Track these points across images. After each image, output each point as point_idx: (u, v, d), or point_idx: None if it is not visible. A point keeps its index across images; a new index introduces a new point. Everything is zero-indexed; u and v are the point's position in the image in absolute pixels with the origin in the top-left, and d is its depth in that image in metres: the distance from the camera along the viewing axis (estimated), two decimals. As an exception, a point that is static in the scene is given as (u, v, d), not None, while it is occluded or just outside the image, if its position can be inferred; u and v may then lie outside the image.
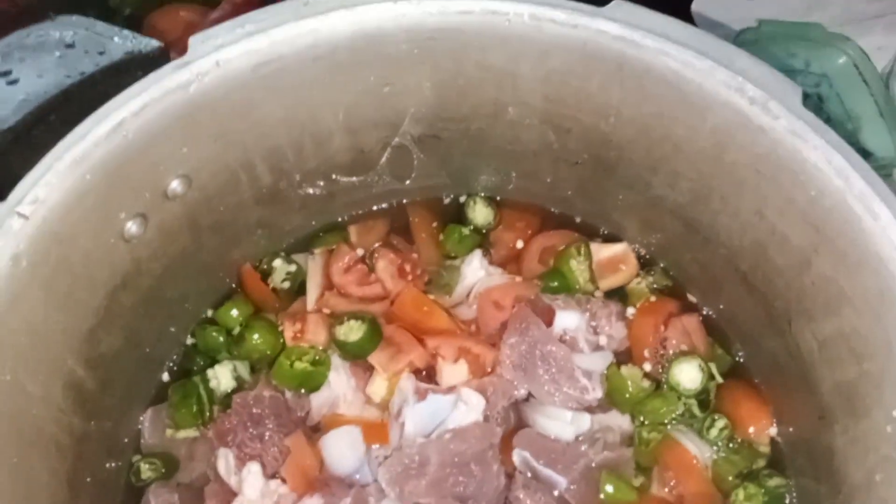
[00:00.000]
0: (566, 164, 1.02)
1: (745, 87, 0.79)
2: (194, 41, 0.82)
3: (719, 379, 0.99)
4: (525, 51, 0.87)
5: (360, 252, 1.11)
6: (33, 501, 0.78)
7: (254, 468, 0.92)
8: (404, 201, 1.14)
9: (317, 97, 0.92)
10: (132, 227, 0.85)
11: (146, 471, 0.96)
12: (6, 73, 0.83)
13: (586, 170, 1.01)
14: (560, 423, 0.96)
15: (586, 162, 1.00)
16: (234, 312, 1.05)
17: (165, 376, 1.03)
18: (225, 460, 0.94)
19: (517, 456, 0.94)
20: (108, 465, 0.94)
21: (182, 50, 0.83)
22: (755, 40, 1.22)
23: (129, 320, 0.91)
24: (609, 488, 0.92)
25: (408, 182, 1.11)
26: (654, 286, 1.06)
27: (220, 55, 0.82)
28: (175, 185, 0.88)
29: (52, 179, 0.73)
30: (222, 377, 1.01)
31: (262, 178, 0.98)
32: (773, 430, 0.96)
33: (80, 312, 0.82)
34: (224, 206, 0.97)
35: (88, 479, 0.89)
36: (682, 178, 0.92)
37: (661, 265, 1.07)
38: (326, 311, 1.06)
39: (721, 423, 0.95)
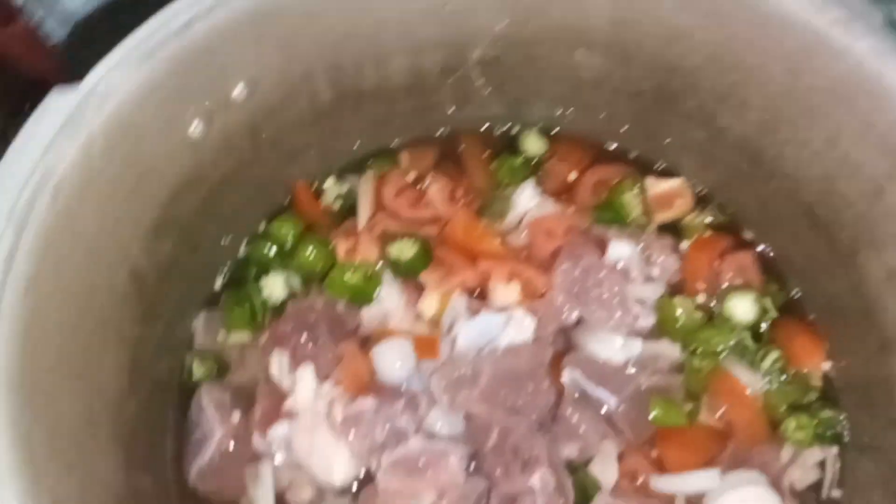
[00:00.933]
0: (626, 95, 1.01)
1: (827, 8, 0.77)
2: (266, -55, 0.82)
3: (774, 313, 0.98)
4: (596, -31, 0.86)
5: (411, 176, 1.11)
6: (100, 387, 0.80)
7: (308, 370, 0.94)
8: (458, 130, 1.14)
9: (380, 12, 0.91)
10: (197, 127, 0.85)
11: (198, 369, 0.98)
12: (80, -35, 0.84)
13: (647, 100, 1.00)
14: (611, 347, 0.96)
15: (648, 92, 0.98)
16: (287, 227, 1.06)
17: (218, 283, 1.05)
18: (279, 362, 0.95)
19: (567, 376, 0.95)
20: (163, 362, 0.96)
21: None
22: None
23: (189, 222, 0.92)
24: (658, 411, 0.92)
25: (463, 110, 1.10)
26: (710, 222, 1.05)
27: (291, -41, 0.81)
28: (239, 90, 0.88)
29: (124, 69, 0.74)
30: (275, 287, 1.03)
31: (322, 93, 0.98)
32: (826, 365, 0.96)
33: (145, 205, 0.83)
34: (283, 119, 0.97)
35: (146, 373, 0.91)
36: (749, 108, 0.90)
37: (718, 201, 1.06)
38: (378, 230, 1.07)
39: (774, 354, 0.95)
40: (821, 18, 0.77)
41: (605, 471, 0.93)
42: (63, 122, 0.69)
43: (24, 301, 0.65)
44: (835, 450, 0.93)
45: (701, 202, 1.07)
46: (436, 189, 1.09)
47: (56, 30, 0.83)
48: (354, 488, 0.93)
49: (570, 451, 0.92)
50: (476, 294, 1.02)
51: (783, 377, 0.95)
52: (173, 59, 0.78)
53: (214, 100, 0.85)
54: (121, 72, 0.75)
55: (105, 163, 0.73)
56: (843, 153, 0.82)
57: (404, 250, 1.02)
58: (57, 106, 0.69)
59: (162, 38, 0.78)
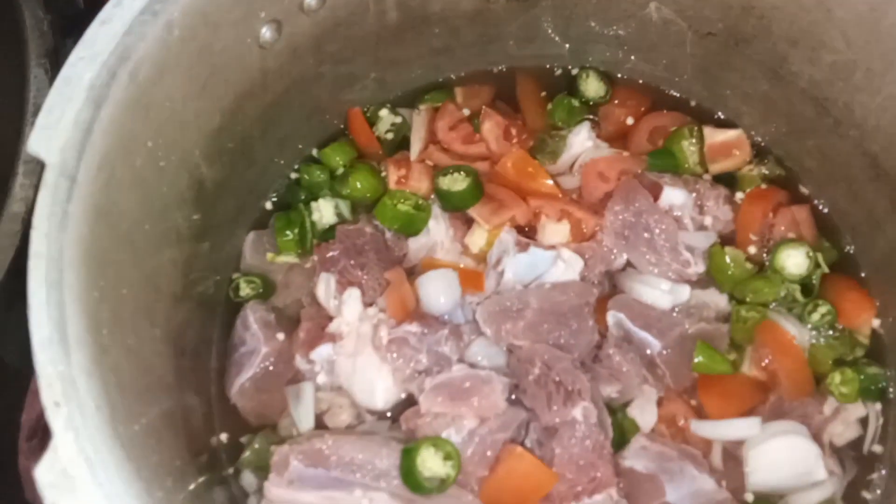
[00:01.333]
0: (696, 36, 0.99)
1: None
2: None
3: (825, 268, 0.97)
4: None
5: (465, 112, 1.10)
6: (158, 284, 0.80)
7: (354, 293, 0.93)
8: (516, 67, 1.13)
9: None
10: (267, 32, 0.85)
11: (245, 287, 0.99)
12: None
13: (715, 44, 0.99)
14: (658, 291, 0.95)
15: (719, 33, 0.97)
16: (339, 153, 1.06)
17: (268, 205, 1.05)
18: (326, 284, 0.95)
19: (612, 317, 0.94)
20: (211, 277, 0.96)
21: None
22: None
23: (247, 135, 0.92)
24: (702, 358, 0.92)
25: (525, 47, 1.09)
26: (766, 174, 1.04)
27: None
28: (311, -1, 0.87)
29: (206, -43, 0.73)
30: (325, 211, 1.02)
31: (389, 13, 0.97)
32: (875, 322, 0.95)
33: (211, 107, 0.83)
34: (348, 36, 0.96)
35: (197, 284, 0.91)
36: (825, 51, 0.88)
37: (776, 154, 1.05)
38: (430, 163, 1.06)
39: (824, 308, 0.94)
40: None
41: (644, 414, 0.93)
42: (144, 4, 0.68)
43: (98, 176, 0.65)
44: (878, 406, 0.92)
45: (758, 154, 1.06)
46: (489, 126, 1.08)
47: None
48: (389, 414, 0.93)
49: (610, 390, 0.92)
50: (524, 231, 1.01)
51: (831, 332, 0.95)
52: (252, -45, 0.78)
53: (286, 4, 0.84)
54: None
55: (181, 51, 0.73)
56: (920, 100, 0.81)
57: (456, 182, 1.01)
58: (138, -14, 0.68)
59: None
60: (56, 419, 0.57)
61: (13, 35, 1.01)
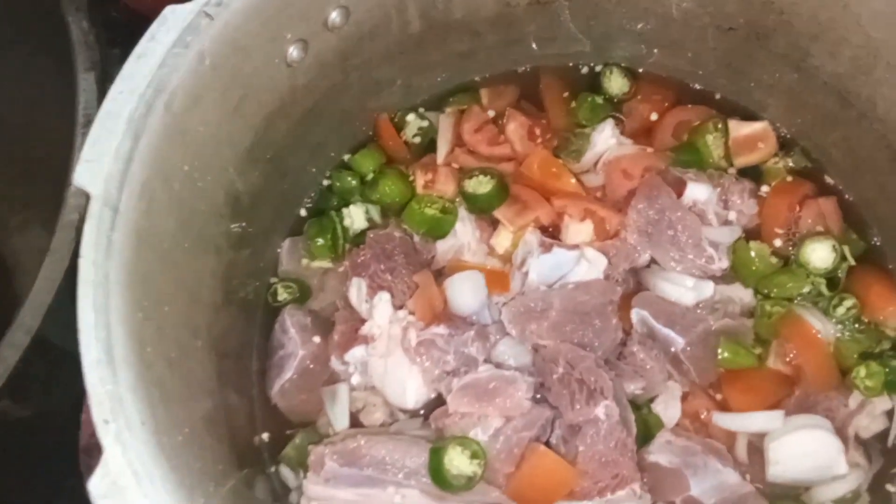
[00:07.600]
0: (718, 31, 1.00)
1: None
2: None
3: (851, 261, 0.97)
4: None
5: (490, 113, 1.13)
6: (198, 297, 0.85)
7: (384, 297, 0.97)
8: (540, 67, 1.14)
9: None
10: (294, 51, 0.88)
11: (282, 292, 1.03)
12: None
13: (737, 38, 0.99)
14: (681, 288, 0.97)
15: (740, 28, 0.97)
16: (369, 159, 1.09)
17: (303, 212, 1.09)
18: (357, 289, 0.99)
19: (635, 315, 0.96)
20: (250, 284, 1.01)
21: None
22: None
23: (279, 148, 0.96)
24: (727, 353, 0.93)
25: (547, 46, 1.10)
26: (792, 167, 1.04)
27: None
28: (335, 16, 0.90)
29: (233, -14, 0.77)
30: (356, 216, 1.06)
31: (412, 23, 1.00)
32: (902, 315, 0.95)
33: (243, 127, 0.87)
34: (373, 48, 0.99)
35: (236, 291, 0.96)
36: (845, 45, 0.88)
37: (802, 146, 1.05)
38: (456, 165, 1.09)
39: (849, 302, 0.95)
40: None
41: (668, 409, 0.95)
42: (176, 37, 0.72)
43: (139, 203, 0.69)
44: (905, 399, 0.93)
45: (784, 146, 1.06)
46: (514, 127, 1.10)
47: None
48: (422, 412, 0.96)
49: (634, 387, 0.94)
50: (549, 231, 1.03)
51: (856, 325, 0.95)
52: (277, -22, 0.81)
53: (311, 24, 0.88)
54: (230, -11, 0.78)
55: (213, 78, 0.77)
56: (942, 96, 0.80)
57: (480, 185, 1.04)
58: (171, 21, 0.73)
59: (268, -42, 0.80)
60: (106, 435, 0.62)
61: (62, 47, 1.08)
